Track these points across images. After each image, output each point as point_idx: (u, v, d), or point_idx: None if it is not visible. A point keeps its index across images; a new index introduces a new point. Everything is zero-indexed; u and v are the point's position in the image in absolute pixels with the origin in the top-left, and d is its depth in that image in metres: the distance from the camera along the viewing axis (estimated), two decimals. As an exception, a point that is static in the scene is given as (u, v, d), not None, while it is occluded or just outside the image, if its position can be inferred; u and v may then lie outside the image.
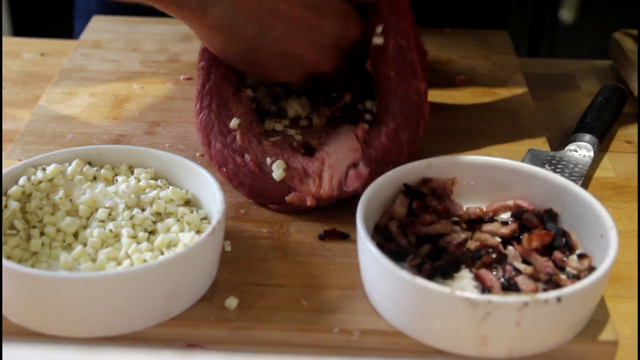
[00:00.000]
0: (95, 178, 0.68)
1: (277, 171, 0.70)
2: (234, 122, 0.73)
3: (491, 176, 0.69)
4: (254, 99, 0.80)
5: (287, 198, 0.70)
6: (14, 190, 0.65)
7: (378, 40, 0.74)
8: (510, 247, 0.64)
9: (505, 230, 0.65)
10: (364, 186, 0.68)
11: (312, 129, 0.79)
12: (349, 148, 0.71)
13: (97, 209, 0.65)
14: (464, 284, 0.62)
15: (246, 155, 0.72)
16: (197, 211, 0.66)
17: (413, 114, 0.73)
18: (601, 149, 0.83)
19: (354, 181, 0.69)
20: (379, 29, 0.74)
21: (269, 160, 0.71)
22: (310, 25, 0.72)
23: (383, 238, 0.65)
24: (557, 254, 0.63)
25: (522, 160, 0.78)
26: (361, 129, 0.72)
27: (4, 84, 0.94)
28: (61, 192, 0.65)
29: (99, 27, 1.05)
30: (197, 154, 0.79)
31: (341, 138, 0.73)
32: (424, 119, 0.74)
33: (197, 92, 0.76)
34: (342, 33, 0.74)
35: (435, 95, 0.91)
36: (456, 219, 0.67)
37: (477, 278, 0.62)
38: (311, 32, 0.72)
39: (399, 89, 0.73)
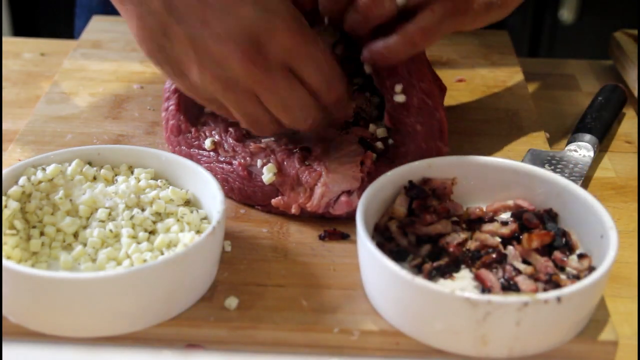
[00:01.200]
0: (95, 178, 0.68)
1: (267, 175, 0.70)
2: (207, 145, 0.74)
3: (491, 176, 0.69)
4: None
5: (273, 201, 0.70)
6: (14, 190, 0.65)
7: (399, 98, 0.72)
8: (510, 247, 0.64)
9: (505, 230, 0.65)
10: (349, 213, 0.68)
11: (314, 131, 0.75)
12: (350, 174, 0.69)
13: (97, 209, 0.65)
14: (464, 284, 0.62)
15: (234, 162, 0.72)
16: (197, 211, 0.66)
17: None
18: (601, 149, 0.83)
19: (342, 207, 0.69)
20: (398, 88, 0.72)
21: (259, 162, 0.71)
22: (224, 6, 0.63)
23: (383, 238, 0.65)
24: (557, 254, 0.63)
25: (522, 160, 0.78)
26: (369, 159, 0.70)
27: (4, 84, 0.93)
28: (61, 192, 0.65)
29: (99, 27, 1.05)
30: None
31: (345, 158, 0.71)
32: None
33: (165, 134, 0.77)
34: (264, 26, 0.63)
35: (435, 95, 0.91)
36: (456, 219, 0.67)
37: (477, 278, 0.62)
38: (224, 15, 0.63)
39: (424, 145, 0.71)
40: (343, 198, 0.69)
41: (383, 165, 0.71)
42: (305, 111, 0.67)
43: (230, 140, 0.73)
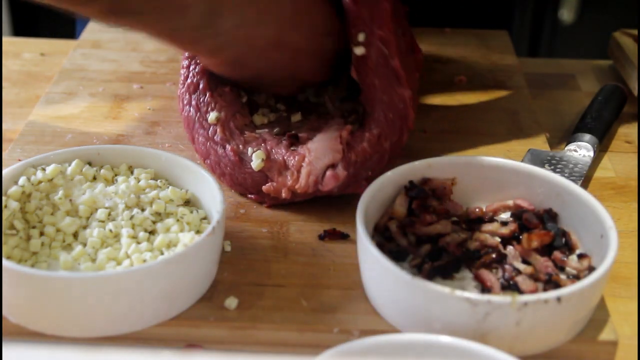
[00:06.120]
0: (95, 178, 0.68)
1: (256, 161, 0.71)
2: (211, 117, 0.74)
3: (491, 176, 0.69)
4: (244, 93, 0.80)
5: (263, 188, 0.71)
6: (14, 190, 0.65)
7: (359, 50, 0.72)
8: (510, 247, 0.64)
9: (505, 230, 0.65)
10: (340, 187, 0.69)
11: (306, 122, 0.77)
12: (330, 148, 0.70)
13: (96, 209, 0.65)
14: (464, 284, 0.62)
15: (227, 146, 0.72)
16: (197, 211, 0.66)
17: (397, 122, 0.72)
18: (601, 149, 0.83)
19: (330, 181, 0.69)
20: (361, 37, 0.72)
21: (250, 150, 0.72)
22: (312, 51, 0.73)
23: (383, 238, 0.65)
24: (557, 254, 0.63)
25: (522, 160, 0.78)
26: (346, 131, 0.71)
27: (4, 84, 0.94)
28: (61, 192, 0.65)
29: (99, 27, 1.05)
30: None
31: (326, 136, 0.72)
32: (408, 127, 0.73)
33: (179, 90, 0.77)
34: (334, 48, 0.74)
35: (435, 95, 0.91)
36: (456, 219, 0.67)
37: (477, 278, 0.62)
38: (312, 57, 0.73)
39: (384, 96, 0.72)
40: (329, 173, 0.69)
41: (358, 132, 0.72)
42: None
43: (232, 124, 0.74)
